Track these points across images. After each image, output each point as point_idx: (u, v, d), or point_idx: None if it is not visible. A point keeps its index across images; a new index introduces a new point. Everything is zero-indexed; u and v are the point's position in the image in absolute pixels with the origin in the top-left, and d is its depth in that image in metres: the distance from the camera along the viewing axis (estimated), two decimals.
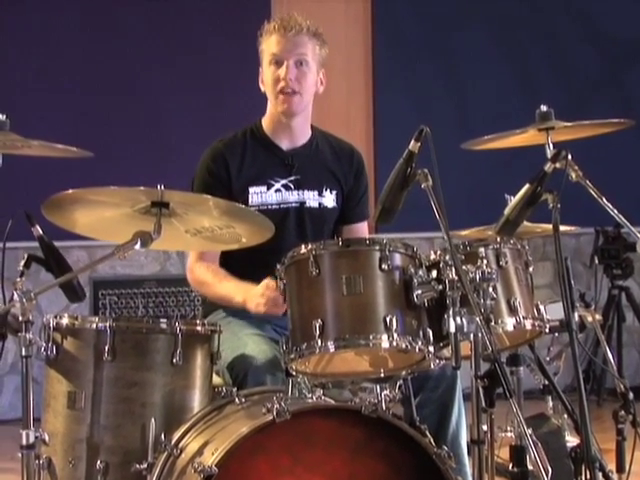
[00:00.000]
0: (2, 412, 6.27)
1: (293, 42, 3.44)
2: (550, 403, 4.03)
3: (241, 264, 3.47)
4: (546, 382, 3.68)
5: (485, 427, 2.80)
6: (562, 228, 3.16)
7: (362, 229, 3.68)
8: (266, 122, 3.59)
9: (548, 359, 4.07)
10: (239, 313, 3.41)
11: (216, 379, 3.20)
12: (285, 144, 3.57)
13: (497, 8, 7.10)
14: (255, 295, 3.21)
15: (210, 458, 2.59)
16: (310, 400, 2.76)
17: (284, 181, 3.55)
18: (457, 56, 7.05)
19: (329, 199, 3.59)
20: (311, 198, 3.56)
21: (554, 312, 3.20)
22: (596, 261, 6.82)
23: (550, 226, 3.10)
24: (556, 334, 3.80)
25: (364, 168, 3.69)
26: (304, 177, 3.55)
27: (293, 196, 3.55)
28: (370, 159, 6.69)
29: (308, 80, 3.47)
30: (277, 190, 3.54)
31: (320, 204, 3.57)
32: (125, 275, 6.45)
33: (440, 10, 6.99)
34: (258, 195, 3.51)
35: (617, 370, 6.59)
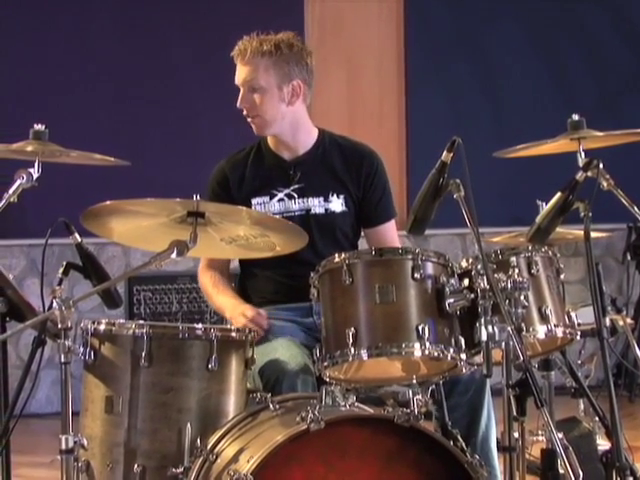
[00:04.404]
0: (39, 406, 6.35)
1: (244, 70, 3.53)
2: (582, 406, 4.05)
3: (257, 273, 3.59)
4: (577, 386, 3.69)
5: (516, 434, 2.84)
6: (593, 234, 3.18)
7: (387, 229, 3.67)
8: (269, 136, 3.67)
9: (579, 362, 4.09)
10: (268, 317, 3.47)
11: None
12: (287, 155, 3.62)
13: (530, 7, 7.08)
14: (237, 314, 3.39)
15: (245, 466, 2.64)
16: (343, 408, 2.80)
17: (287, 190, 3.59)
18: (490, 55, 7.05)
19: (336, 204, 3.61)
20: (316, 205, 3.59)
21: (586, 316, 3.23)
22: (628, 257, 6.81)
23: (581, 232, 3.12)
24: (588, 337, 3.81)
25: (378, 169, 3.65)
26: (308, 185, 3.59)
27: (297, 205, 3.59)
28: (402, 159, 6.71)
29: (264, 102, 3.52)
30: (280, 200, 3.59)
31: (327, 209, 3.60)
32: (159, 271, 6.48)
33: (473, 10, 6.99)
34: (261, 205, 3.58)
35: None
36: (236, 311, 3.42)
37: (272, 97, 3.54)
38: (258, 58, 3.51)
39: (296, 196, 3.59)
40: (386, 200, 3.67)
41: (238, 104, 3.55)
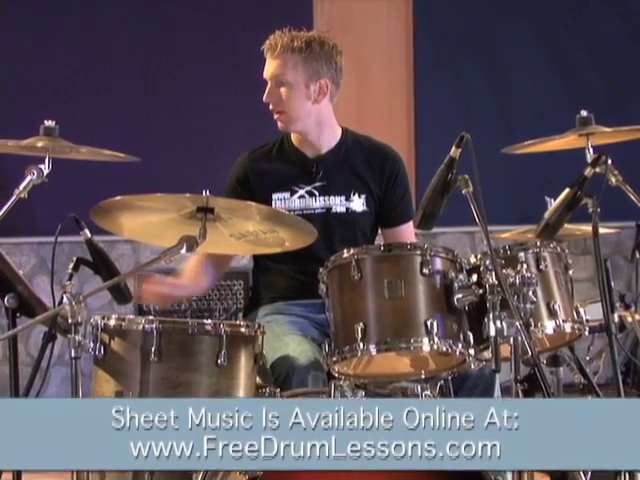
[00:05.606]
0: None
1: (272, 64, 3.55)
2: None
3: (272, 268, 3.62)
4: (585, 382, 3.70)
5: None
6: (602, 230, 3.19)
7: (406, 231, 3.69)
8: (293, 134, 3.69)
9: (588, 358, 4.10)
10: (278, 312, 3.49)
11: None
12: (310, 152, 3.64)
13: (539, 4, 7.09)
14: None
15: None
16: None
17: (308, 187, 3.61)
18: (499, 53, 7.04)
19: (358, 203, 3.62)
20: (338, 203, 3.61)
21: (594, 313, 3.24)
22: (637, 255, 6.79)
23: (590, 229, 3.13)
24: (596, 334, 3.82)
25: (400, 171, 3.69)
26: (330, 183, 3.61)
27: (318, 202, 3.61)
28: (411, 157, 6.72)
29: (290, 98, 3.55)
30: (301, 197, 3.60)
31: (348, 209, 3.62)
32: (168, 269, 6.47)
33: (482, 7, 6.99)
34: (281, 201, 3.60)
35: None
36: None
37: (298, 94, 3.55)
38: (288, 54, 3.53)
39: (317, 194, 3.60)
40: (406, 201, 3.70)
41: (264, 98, 3.57)
